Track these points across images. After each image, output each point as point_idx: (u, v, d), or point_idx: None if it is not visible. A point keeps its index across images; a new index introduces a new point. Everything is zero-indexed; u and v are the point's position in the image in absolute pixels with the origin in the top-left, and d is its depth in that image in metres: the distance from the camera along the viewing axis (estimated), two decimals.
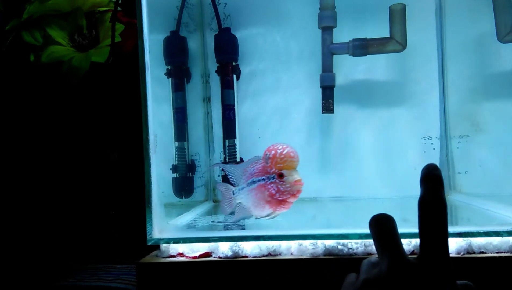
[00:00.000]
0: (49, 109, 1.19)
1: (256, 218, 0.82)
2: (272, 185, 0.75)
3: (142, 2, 0.75)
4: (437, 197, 0.50)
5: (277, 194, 0.75)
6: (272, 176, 0.75)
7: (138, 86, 0.79)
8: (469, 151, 1.12)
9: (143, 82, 0.75)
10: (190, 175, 1.18)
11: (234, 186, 0.84)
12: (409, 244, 0.75)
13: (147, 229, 0.78)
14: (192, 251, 0.78)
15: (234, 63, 1.19)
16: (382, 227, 0.53)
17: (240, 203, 0.83)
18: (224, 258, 0.77)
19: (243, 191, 0.81)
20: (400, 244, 0.51)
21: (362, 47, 1.08)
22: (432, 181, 0.50)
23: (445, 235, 0.49)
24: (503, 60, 1.06)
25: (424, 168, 0.52)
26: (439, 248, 0.49)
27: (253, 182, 0.78)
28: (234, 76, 1.19)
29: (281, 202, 0.76)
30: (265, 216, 0.79)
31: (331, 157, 1.21)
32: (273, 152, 0.75)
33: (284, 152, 0.74)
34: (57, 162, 1.18)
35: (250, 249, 0.77)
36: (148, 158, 0.76)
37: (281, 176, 0.74)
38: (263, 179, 0.76)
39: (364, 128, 1.19)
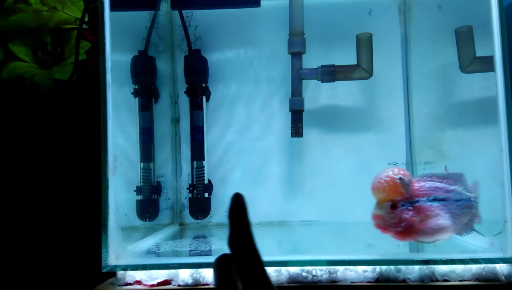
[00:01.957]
0: (9, 127, 1.14)
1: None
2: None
3: (105, 20, 0.73)
4: (239, 234, 0.47)
5: None
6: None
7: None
8: None
9: (103, 101, 0.73)
10: (155, 197, 1.14)
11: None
12: (374, 271, 0.74)
13: (103, 255, 0.73)
14: (151, 278, 0.75)
15: (203, 85, 1.19)
16: (220, 268, 0.49)
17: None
18: (184, 286, 0.73)
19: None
20: (235, 283, 0.48)
21: (330, 74, 1.10)
22: (234, 215, 0.48)
23: (261, 268, 0.47)
24: (465, 90, 1.10)
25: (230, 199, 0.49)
26: (259, 283, 0.46)
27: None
28: (204, 98, 1.19)
29: None
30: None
31: (299, 180, 1.20)
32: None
33: None
34: (15, 183, 1.13)
35: (212, 276, 0.74)
36: (106, 180, 0.73)
37: None
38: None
39: (333, 152, 1.19)
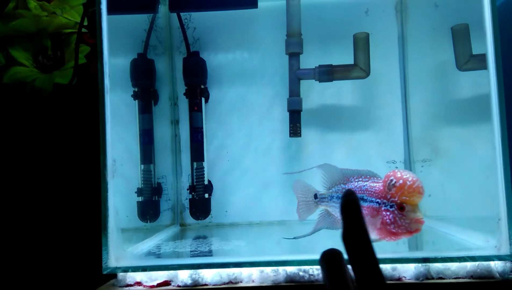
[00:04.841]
0: (12, 131, 1.15)
1: None
2: (388, 213, 0.69)
3: (102, 26, 0.74)
4: (355, 228, 0.47)
5: (392, 225, 0.69)
6: (391, 204, 0.69)
7: None
8: (431, 175, 1.14)
9: (102, 105, 0.74)
10: (156, 199, 1.16)
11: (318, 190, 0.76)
12: None
13: (103, 256, 0.75)
14: (151, 279, 0.76)
15: (202, 86, 1.20)
16: (331, 263, 0.50)
17: (325, 210, 0.76)
18: (183, 286, 0.75)
19: (337, 200, 0.74)
20: (348, 280, 0.49)
21: (327, 73, 1.11)
22: (348, 210, 0.48)
23: (376, 264, 0.47)
24: (462, 88, 1.10)
25: (342, 196, 0.50)
26: (374, 279, 0.47)
27: (363, 199, 0.72)
28: (203, 99, 1.20)
29: (393, 234, 0.70)
30: None
31: None
32: (401, 181, 0.68)
33: (414, 186, 0.68)
34: (21, 185, 1.14)
35: (211, 276, 0.76)
36: (105, 183, 0.74)
37: (402, 208, 0.68)
38: (377, 203, 0.70)
39: (331, 151, 1.20)
